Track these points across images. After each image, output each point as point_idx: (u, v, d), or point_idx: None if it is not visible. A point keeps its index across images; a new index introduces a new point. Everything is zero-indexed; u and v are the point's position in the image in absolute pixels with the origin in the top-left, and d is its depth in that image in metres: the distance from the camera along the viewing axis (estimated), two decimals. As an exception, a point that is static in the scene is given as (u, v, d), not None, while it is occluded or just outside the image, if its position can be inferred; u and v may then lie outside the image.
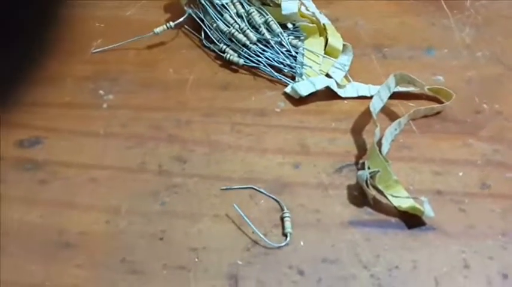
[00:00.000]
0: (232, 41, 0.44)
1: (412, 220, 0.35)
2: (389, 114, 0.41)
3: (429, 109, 0.40)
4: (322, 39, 0.44)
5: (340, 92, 0.41)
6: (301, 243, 0.34)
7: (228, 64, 0.44)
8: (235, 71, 0.44)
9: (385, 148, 0.38)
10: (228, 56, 0.44)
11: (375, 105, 0.39)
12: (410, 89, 0.42)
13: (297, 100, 0.42)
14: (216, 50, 0.44)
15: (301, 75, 0.42)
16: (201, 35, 0.45)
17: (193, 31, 0.46)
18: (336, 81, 0.41)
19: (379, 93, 0.39)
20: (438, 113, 0.41)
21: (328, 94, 0.41)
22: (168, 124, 0.40)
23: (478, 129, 0.39)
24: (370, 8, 0.48)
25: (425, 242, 0.35)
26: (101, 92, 0.43)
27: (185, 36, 0.46)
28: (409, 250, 0.34)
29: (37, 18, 0.47)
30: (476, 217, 0.35)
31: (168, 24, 0.44)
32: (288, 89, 0.42)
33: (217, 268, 0.33)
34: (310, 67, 0.42)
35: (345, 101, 0.41)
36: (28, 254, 0.34)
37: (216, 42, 0.44)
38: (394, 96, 0.41)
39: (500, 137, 0.39)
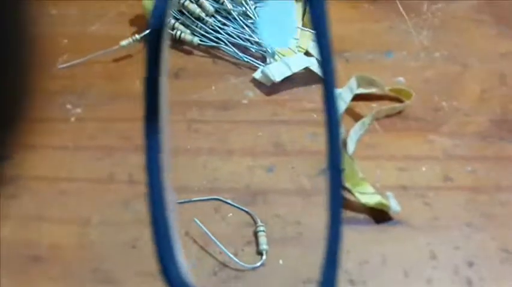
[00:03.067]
0: (183, 14, 0.35)
1: (379, 215, 0.36)
2: (353, 115, 0.42)
3: (391, 109, 0.42)
4: (297, 6, 0.35)
5: None
6: (280, 262, 0.31)
7: (179, 44, 0.37)
8: (189, 53, 0.38)
9: (350, 148, 0.39)
10: (179, 33, 0.35)
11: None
12: (373, 90, 0.43)
13: (269, 88, 0.36)
14: None
15: (273, 55, 0.35)
16: None
17: None
18: (316, 59, 0.35)
19: (341, 95, 0.40)
20: (400, 112, 0.42)
21: (309, 77, 0.36)
22: (137, 134, 0.38)
23: (438, 125, 0.41)
24: (332, 15, 0.49)
25: (393, 236, 0.35)
26: (69, 106, 0.43)
27: None
28: (378, 245, 0.35)
29: (2, 36, 0.47)
30: (440, 210, 0.36)
31: (134, 37, 0.44)
32: (257, 74, 0.35)
33: None
34: None
35: None
36: (-1, 269, 0.34)
37: None
38: (357, 98, 0.42)
39: (460, 132, 0.40)
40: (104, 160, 0.39)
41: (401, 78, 0.44)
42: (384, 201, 0.36)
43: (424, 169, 0.38)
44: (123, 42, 0.45)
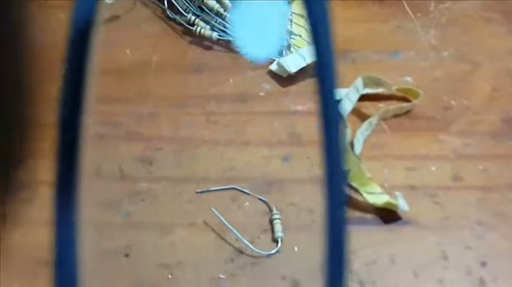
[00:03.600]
0: (202, 10, 0.37)
1: (388, 215, 0.35)
2: (360, 115, 0.41)
3: (399, 108, 0.41)
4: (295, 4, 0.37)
5: None
6: (295, 249, 0.31)
7: (199, 40, 0.38)
8: (209, 48, 0.38)
9: (357, 148, 0.38)
10: (199, 29, 0.36)
11: (345, 107, 0.39)
12: (380, 90, 0.42)
13: (285, 79, 0.36)
14: (184, 23, 0.37)
15: (289, 47, 0.35)
16: (163, 5, 0.38)
17: (154, 0, 0.40)
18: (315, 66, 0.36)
19: (348, 95, 0.40)
20: (408, 111, 0.41)
21: None
22: (128, 119, 0.35)
23: (448, 125, 0.40)
24: (338, 16, 0.49)
25: (402, 236, 0.34)
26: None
27: (144, 7, 0.40)
28: (386, 245, 0.34)
29: (11, 43, 0.48)
30: (451, 209, 0.36)
31: None
32: (273, 67, 0.35)
33: (196, 284, 0.29)
34: (300, 36, 0.35)
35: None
36: (9, 274, 0.34)
37: (183, 12, 0.37)
38: (364, 98, 0.42)
39: (470, 131, 0.40)
40: (88, 150, 0.39)
41: (408, 78, 0.44)
42: (392, 201, 0.35)
43: (433, 168, 0.37)
44: (108, 0, 0.39)
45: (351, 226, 0.35)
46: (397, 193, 0.36)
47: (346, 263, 0.16)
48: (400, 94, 0.42)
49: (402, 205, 0.35)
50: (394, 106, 0.41)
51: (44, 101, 0.44)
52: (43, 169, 0.39)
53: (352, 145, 0.38)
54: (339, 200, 0.16)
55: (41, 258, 0.34)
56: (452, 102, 0.41)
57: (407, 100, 0.42)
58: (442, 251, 0.34)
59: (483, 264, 0.33)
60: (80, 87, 0.15)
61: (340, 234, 0.17)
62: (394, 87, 0.42)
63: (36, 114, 0.42)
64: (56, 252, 0.16)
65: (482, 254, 0.34)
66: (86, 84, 0.15)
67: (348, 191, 0.36)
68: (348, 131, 0.38)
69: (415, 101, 0.41)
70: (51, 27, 0.49)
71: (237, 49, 0.32)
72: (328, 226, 0.16)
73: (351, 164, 0.36)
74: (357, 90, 0.41)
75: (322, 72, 0.17)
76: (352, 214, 0.35)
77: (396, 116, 0.41)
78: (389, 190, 0.36)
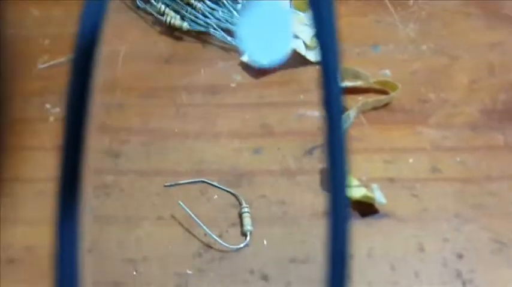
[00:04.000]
0: (173, 0, 0.36)
1: (365, 208, 0.35)
2: (338, 108, 0.40)
3: (377, 101, 0.41)
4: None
5: (310, 55, 0.35)
6: (264, 242, 0.31)
7: (169, 30, 0.37)
8: (179, 39, 0.37)
9: None
10: (169, 19, 0.36)
11: None
12: (358, 83, 0.42)
13: (257, 71, 0.36)
14: (153, 12, 0.37)
15: None
16: None
17: None
18: (304, 41, 0.35)
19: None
20: (387, 104, 0.41)
21: (295, 59, 0.36)
22: (94, 110, 0.35)
23: (426, 117, 0.40)
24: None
25: (379, 229, 0.34)
26: (48, 105, 0.42)
27: None
28: (363, 238, 0.34)
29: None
30: (428, 201, 0.35)
31: None
32: (244, 57, 0.35)
33: (162, 280, 0.29)
34: None
35: (317, 66, 0.36)
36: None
37: (153, 1, 0.36)
38: (342, 91, 0.41)
39: (448, 123, 0.39)
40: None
41: (387, 71, 0.43)
42: (369, 194, 0.35)
43: (411, 160, 0.37)
44: None
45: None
46: (374, 186, 0.35)
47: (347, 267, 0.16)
48: (378, 87, 0.42)
49: (379, 197, 0.35)
50: (372, 99, 0.41)
51: (17, 96, 0.43)
52: (8, 165, 0.38)
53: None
54: (343, 195, 0.16)
55: (4, 256, 0.33)
56: (431, 95, 0.41)
57: (385, 93, 0.42)
58: (419, 243, 0.34)
59: (460, 256, 0.33)
60: (86, 88, 0.15)
61: (343, 231, 0.16)
62: (372, 80, 0.41)
63: (1, 111, 0.42)
64: (58, 250, 0.16)
65: (460, 246, 0.33)
66: (91, 85, 0.15)
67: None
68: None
69: (393, 94, 0.41)
70: (25, 23, 0.48)
71: (245, 54, 0.30)
72: (331, 226, 0.16)
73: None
74: (335, 82, 0.40)
75: (326, 68, 0.16)
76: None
77: (375, 109, 0.41)
78: (367, 183, 0.36)
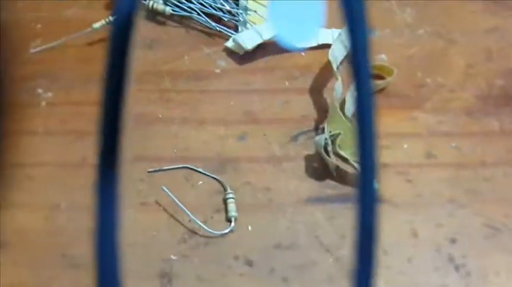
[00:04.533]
0: None
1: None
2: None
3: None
4: None
5: None
6: (249, 228, 0.31)
7: (152, 15, 0.37)
8: (162, 24, 0.37)
9: (349, 109, 0.34)
10: (152, 3, 0.35)
11: (336, 53, 0.34)
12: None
13: (241, 57, 0.35)
14: None
15: (245, 23, 0.34)
16: None
17: None
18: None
19: (340, 38, 0.34)
20: (382, 89, 0.40)
21: (280, 46, 0.35)
22: None
23: (422, 102, 0.39)
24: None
25: None
26: (40, 90, 0.42)
27: None
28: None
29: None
30: (423, 187, 0.35)
31: (107, 19, 0.43)
32: (229, 43, 0.35)
33: (146, 266, 0.29)
34: (255, 12, 0.34)
35: (302, 53, 0.36)
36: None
37: None
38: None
39: (444, 108, 0.39)
40: (75, 144, 0.38)
41: (383, 56, 0.43)
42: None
43: (405, 146, 0.37)
44: (96, 25, 0.43)
45: (340, 204, 0.33)
46: None
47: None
48: (374, 72, 0.41)
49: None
50: None
51: (9, 80, 0.42)
52: (7, 150, 0.38)
53: (343, 103, 0.35)
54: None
55: (1, 240, 0.33)
56: (427, 79, 0.41)
57: (381, 78, 0.41)
58: (412, 229, 0.33)
59: (453, 241, 0.33)
60: (123, 79, 0.15)
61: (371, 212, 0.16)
62: (367, 64, 0.41)
63: (2, 94, 0.41)
64: (98, 234, 0.16)
65: (453, 232, 0.33)
66: (127, 76, 0.16)
67: (335, 160, 0.33)
68: (339, 84, 0.35)
69: (389, 79, 0.41)
70: (17, 7, 0.47)
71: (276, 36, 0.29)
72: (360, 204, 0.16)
73: (340, 126, 0.33)
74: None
75: (358, 62, 0.16)
76: (342, 189, 0.33)
77: None
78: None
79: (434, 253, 0.32)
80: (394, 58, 0.42)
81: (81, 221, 0.33)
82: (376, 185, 0.16)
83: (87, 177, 0.35)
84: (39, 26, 0.46)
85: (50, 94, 0.41)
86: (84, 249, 0.31)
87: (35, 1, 0.47)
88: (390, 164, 0.36)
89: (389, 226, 0.33)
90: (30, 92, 0.41)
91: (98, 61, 0.47)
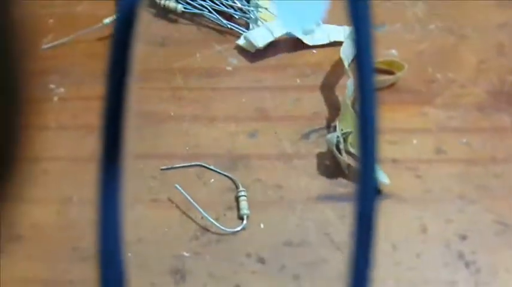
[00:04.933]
0: None
1: (368, 189, 0.35)
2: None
3: (383, 81, 0.40)
4: None
5: (307, 39, 0.35)
6: (261, 226, 0.31)
7: (163, 12, 0.37)
8: (174, 21, 0.37)
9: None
10: (163, 1, 0.36)
11: (347, 51, 0.34)
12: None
13: (253, 54, 0.36)
14: None
15: (256, 21, 0.35)
16: None
17: None
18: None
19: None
20: (392, 85, 0.40)
21: (292, 43, 0.36)
22: None
23: (432, 98, 0.39)
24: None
25: (382, 210, 0.33)
26: (52, 85, 0.42)
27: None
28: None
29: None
30: (432, 182, 0.35)
31: None
32: (240, 41, 0.35)
33: (158, 262, 0.29)
34: (266, 9, 0.34)
35: (314, 51, 0.36)
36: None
37: None
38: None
39: (455, 104, 0.39)
40: (87, 138, 0.39)
41: (394, 51, 0.42)
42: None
43: (415, 141, 0.37)
44: (107, 20, 0.44)
45: (352, 202, 0.33)
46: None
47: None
48: (384, 67, 0.41)
49: (381, 177, 0.34)
50: (378, 79, 0.40)
51: (23, 76, 0.43)
52: (20, 145, 0.38)
53: (355, 100, 0.35)
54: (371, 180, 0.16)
55: (11, 233, 0.33)
56: (438, 75, 0.40)
57: (391, 73, 0.41)
58: (421, 224, 0.33)
59: (463, 237, 0.33)
60: (125, 73, 0.16)
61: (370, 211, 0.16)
62: (378, 60, 0.41)
63: (6, 90, 0.42)
64: (101, 229, 0.16)
65: (463, 228, 0.33)
66: (130, 71, 0.16)
67: (347, 159, 0.34)
68: (351, 82, 0.35)
69: (399, 74, 0.40)
70: (29, 2, 0.48)
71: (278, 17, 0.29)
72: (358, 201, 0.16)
73: (352, 124, 0.33)
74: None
75: (361, 60, 0.15)
76: (352, 187, 0.34)
77: (380, 89, 0.40)
78: None
79: (444, 249, 0.32)
80: (405, 53, 0.42)
81: (92, 215, 0.34)
82: (376, 180, 0.16)
83: (98, 171, 0.37)
84: (51, 21, 0.46)
85: (62, 89, 0.42)
86: (95, 243, 0.33)
87: None
88: (400, 159, 0.36)
89: (399, 222, 0.33)
90: (42, 88, 0.42)
91: (85, 60, 0.47)
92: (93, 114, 0.40)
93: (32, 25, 0.46)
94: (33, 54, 0.44)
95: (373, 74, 0.16)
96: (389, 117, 0.38)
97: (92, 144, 0.38)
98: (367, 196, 0.16)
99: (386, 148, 0.37)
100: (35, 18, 0.47)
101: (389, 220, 0.33)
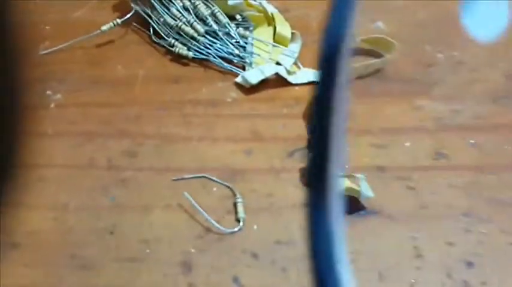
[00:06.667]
0: (180, 35, 0.46)
1: (349, 204, 0.32)
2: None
3: (365, 66, 0.35)
4: (270, 29, 0.47)
5: (291, 79, 0.43)
6: (255, 227, 0.35)
7: (177, 58, 0.46)
8: (186, 65, 0.45)
9: None
10: (177, 49, 0.46)
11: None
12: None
13: (248, 89, 0.43)
14: (165, 45, 0.46)
15: (250, 64, 0.45)
16: (149, 31, 0.47)
17: (141, 28, 0.47)
18: (285, 67, 0.44)
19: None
20: (378, 71, 0.36)
21: (279, 81, 0.43)
22: (117, 119, 0.42)
23: (430, 87, 0.34)
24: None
25: (366, 230, 0.31)
26: (49, 92, 0.43)
27: (134, 33, 0.47)
28: (347, 240, 0.29)
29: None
30: (429, 195, 0.31)
31: (115, 21, 0.45)
32: (238, 79, 0.44)
33: (170, 257, 0.34)
34: (259, 55, 0.45)
35: (296, 88, 0.43)
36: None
37: (165, 37, 0.46)
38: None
39: (461, 94, 0.33)
40: (84, 145, 0.41)
41: (380, 23, 0.37)
42: (353, 186, 0.31)
43: (407, 144, 0.33)
44: (104, 27, 0.45)
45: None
46: (359, 176, 0.31)
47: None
48: (368, 46, 0.37)
49: (365, 190, 0.31)
50: (359, 64, 0.36)
51: (20, 83, 0.44)
52: (17, 152, 0.40)
53: None
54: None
55: (7, 241, 0.36)
56: (438, 55, 0.35)
57: (377, 55, 0.37)
58: (415, 247, 0.30)
59: (469, 264, 0.29)
60: (331, 115, 0.16)
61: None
62: (359, 37, 0.36)
63: (14, 97, 0.43)
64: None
65: (469, 252, 0.29)
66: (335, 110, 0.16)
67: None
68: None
69: (387, 56, 0.35)
70: (26, 9, 0.49)
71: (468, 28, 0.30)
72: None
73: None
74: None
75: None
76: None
77: (361, 77, 0.36)
78: (351, 172, 0.32)
79: (445, 278, 0.28)
80: (394, 26, 0.37)
81: (89, 223, 0.36)
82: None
83: (95, 179, 0.38)
84: (48, 28, 0.47)
85: (59, 96, 0.43)
86: (93, 251, 0.35)
87: (44, 3, 0.50)
88: (388, 167, 0.32)
89: (387, 244, 0.30)
90: (39, 94, 0.44)
91: (105, 63, 0.49)
92: (89, 121, 0.42)
93: (29, 31, 0.47)
94: (29, 60, 0.45)
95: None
96: (374, 113, 0.35)
97: (88, 151, 0.40)
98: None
99: (370, 152, 0.33)
100: (32, 24, 0.48)
101: (375, 242, 0.31)
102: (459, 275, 0.28)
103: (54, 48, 0.45)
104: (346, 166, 0.33)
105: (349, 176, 0.31)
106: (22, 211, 0.37)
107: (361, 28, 0.37)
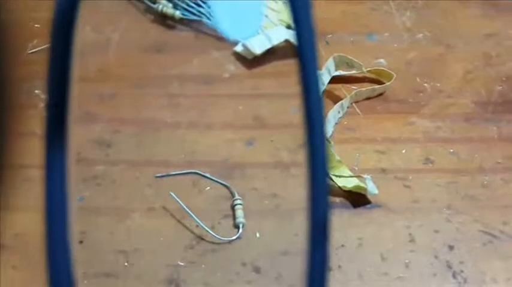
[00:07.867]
0: None
1: (357, 199, 0.35)
2: (331, 97, 0.40)
3: (370, 90, 0.40)
4: None
5: None
6: (257, 235, 0.30)
7: (161, 18, 0.37)
8: (171, 28, 0.37)
9: (328, 131, 0.37)
10: (161, 7, 0.36)
11: (323, 80, 0.37)
12: (352, 72, 0.42)
13: (250, 61, 0.36)
14: (146, 1, 0.37)
15: None
16: None
17: None
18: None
19: (327, 66, 0.38)
20: (381, 94, 0.40)
21: (289, 51, 0.36)
22: (85, 100, 0.34)
23: (420, 107, 0.39)
24: (312, -3, 0.48)
25: (370, 220, 0.34)
26: (37, 91, 0.41)
27: None
28: (354, 228, 0.34)
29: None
30: (420, 192, 0.35)
31: None
32: (238, 48, 0.35)
33: (152, 272, 0.29)
34: (266, 16, 0.35)
35: None
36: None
37: None
38: (336, 80, 0.41)
39: (442, 114, 0.39)
40: (72, 145, 0.38)
41: (382, 60, 0.43)
42: (361, 184, 0.35)
43: (403, 151, 0.37)
44: None
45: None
46: (366, 176, 0.35)
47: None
48: (372, 76, 0.41)
49: (371, 188, 0.35)
50: (366, 88, 0.40)
51: (8, 82, 0.42)
52: (4, 152, 0.38)
53: None
54: (323, 183, 0.16)
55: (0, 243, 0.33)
56: (425, 84, 0.41)
57: (380, 82, 0.41)
58: (409, 234, 0.34)
59: (451, 248, 0.33)
60: (67, 65, 0.16)
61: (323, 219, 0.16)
62: (365, 69, 0.41)
63: (3, 96, 0.41)
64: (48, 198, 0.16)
65: (450, 238, 0.33)
66: (72, 63, 0.16)
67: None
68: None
69: (387, 83, 0.41)
70: (14, 7, 0.47)
71: (216, 29, 0.28)
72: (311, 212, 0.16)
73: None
74: (329, 71, 0.40)
75: (304, 53, 0.16)
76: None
77: (368, 98, 0.40)
78: (359, 173, 0.35)
79: (432, 259, 0.32)
80: (393, 63, 0.42)
81: (79, 229, 0.33)
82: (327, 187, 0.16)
83: (81, 177, 0.35)
84: (37, 26, 0.45)
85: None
86: (84, 258, 0.31)
87: (33, 1, 0.47)
88: (388, 169, 0.36)
89: (387, 231, 0.34)
90: (27, 94, 0.41)
91: (83, 67, 0.47)
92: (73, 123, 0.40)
93: (17, 29, 0.45)
94: (18, 59, 0.43)
95: (317, 70, 0.16)
96: (378, 126, 0.39)
97: (76, 151, 0.37)
98: (320, 204, 0.16)
99: (375, 157, 0.37)
100: (20, 23, 0.46)
101: (378, 230, 0.34)
102: (443, 256, 0.32)
103: (43, 47, 0.43)
104: (356, 168, 0.36)
105: (358, 177, 0.35)
106: (10, 213, 0.33)
107: (368, 63, 0.40)
